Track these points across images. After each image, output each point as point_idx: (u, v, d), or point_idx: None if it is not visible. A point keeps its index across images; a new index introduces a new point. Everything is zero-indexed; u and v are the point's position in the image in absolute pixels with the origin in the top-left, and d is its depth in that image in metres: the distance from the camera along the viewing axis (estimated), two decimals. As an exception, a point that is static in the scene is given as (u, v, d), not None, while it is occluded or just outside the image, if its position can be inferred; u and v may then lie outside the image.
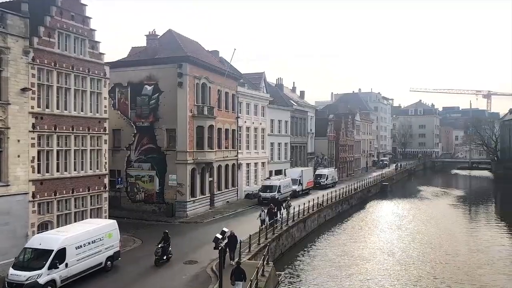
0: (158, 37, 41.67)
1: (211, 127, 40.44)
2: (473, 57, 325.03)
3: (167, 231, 24.79)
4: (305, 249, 33.60)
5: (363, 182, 65.21)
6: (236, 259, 21.48)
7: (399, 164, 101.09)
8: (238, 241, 23.25)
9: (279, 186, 45.82)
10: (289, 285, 25.32)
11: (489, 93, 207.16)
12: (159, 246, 23.83)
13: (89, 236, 21.54)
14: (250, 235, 26.45)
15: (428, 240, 36.91)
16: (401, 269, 28.57)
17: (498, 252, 33.16)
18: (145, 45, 41.91)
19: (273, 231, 30.11)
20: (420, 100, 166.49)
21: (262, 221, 30.72)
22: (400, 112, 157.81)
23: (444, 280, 26.15)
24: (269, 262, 24.00)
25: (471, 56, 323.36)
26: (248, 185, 49.70)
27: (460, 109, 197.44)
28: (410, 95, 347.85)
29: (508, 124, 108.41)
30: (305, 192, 53.15)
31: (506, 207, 62.53)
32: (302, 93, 77.03)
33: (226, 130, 44.47)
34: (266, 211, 31.75)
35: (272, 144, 56.07)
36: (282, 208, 35.38)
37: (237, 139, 47.07)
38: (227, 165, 44.68)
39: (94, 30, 28.48)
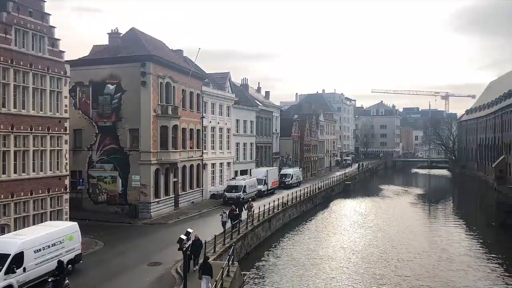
0: (121, 35, 40.92)
1: (175, 127, 40.04)
2: (432, 59, 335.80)
3: (62, 260, 19.78)
4: (271, 248, 33.76)
5: (327, 181, 66.15)
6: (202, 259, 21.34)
7: (361, 164, 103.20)
8: (203, 243, 23.09)
9: (245, 186, 45.88)
10: (254, 285, 25.35)
11: (447, 95, 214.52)
12: (50, 280, 18.07)
13: (48, 239, 20.89)
14: (215, 236, 26.35)
15: (390, 238, 37.77)
16: (365, 267, 29.01)
17: (457, 249, 34.22)
18: (107, 43, 41.07)
19: (236, 232, 29.51)
20: (382, 101, 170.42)
21: (223, 223, 30.02)
22: (363, 112, 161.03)
23: (406, 278, 26.65)
24: (235, 262, 23.98)
25: (430, 59, 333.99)
26: (213, 186, 49.52)
27: (420, 110, 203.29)
28: (372, 96, 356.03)
29: (465, 124, 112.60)
30: (270, 192, 53.45)
31: (463, 204, 64.91)
32: (267, 93, 77.45)
33: (191, 130, 44.14)
34: (227, 213, 31.22)
35: (237, 144, 56.08)
36: (243, 209, 35.05)
37: (202, 139, 46.81)
38: (192, 166, 44.35)
39: (54, 27, 27.69)
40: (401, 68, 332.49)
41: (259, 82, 77.68)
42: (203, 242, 22.88)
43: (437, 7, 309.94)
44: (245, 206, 35.90)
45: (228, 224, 29.91)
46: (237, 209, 32.75)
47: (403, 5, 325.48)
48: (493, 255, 32.11)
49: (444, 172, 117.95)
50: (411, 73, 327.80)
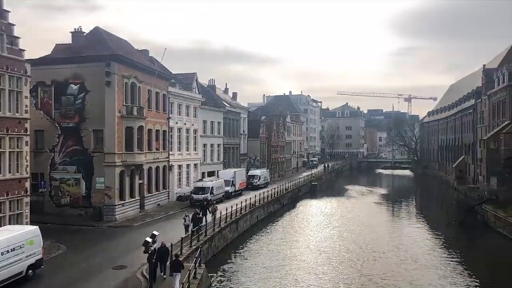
0: (85, 34, 40.00)
1: (140, 128, 39.46)
2: (395, 62, 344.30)
3: None
4: (238, 250, 33.71)
5: (294, 182, 66.72)
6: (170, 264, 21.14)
7: (327, 165, 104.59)
8: (170, 246, 22.80)
9: (212, 187, 45.67)
10: (221, 287, 25.26)
11: (409, 97, 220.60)
12: None
13: (7, 244, 20.15)
14: (182, 238, 26.11)
15: (355, 238, 38.32)
16: (331, 267, 29.25)
17: (420, 248, 34.99)
18: (70, 42, 40.04)
19: (202, 235, 28.94)
20: (347, 103, 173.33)
21: (186, 227, 29.38)
22: (328, 114, 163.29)
23: (372, 277, 26.98)
24: (201, 264, 23.83)
25: (392, 61, 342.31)
26: (180, 187, 49.05)
27: (384, 111, 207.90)
28: (337, 98, 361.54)
29: (427, 126, 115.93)
30: (238, 193, 53.42)
31: (425, 204, 66.79)
32: (234, 94, 77.45)
33: (157, 131, 43.59)
34: (190, 216, 30.35)
35: (204, 145, 55.79)
36: (208, 212, 34.37)
37: (169, 140, 46.31)
38: (157, 167, 43.79)
39: (13, 24, 26.76)
40: (365, 71, 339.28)
41: (226, 83, 77.90)
42: (169, 244, 22.60)
43: (398, 11, 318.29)
44: (209, 209, 35.18)
45: (191, 228, 29.06)
46: (200, 213, 32.10)
47: (370, 7, 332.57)
48: (453, 254, 33.07)
49: (407, 172, 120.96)
50: (376, 76, 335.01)
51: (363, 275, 27.38)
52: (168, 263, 21.23)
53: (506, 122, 46.80)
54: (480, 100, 61.35)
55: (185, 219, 30.19)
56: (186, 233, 28.29)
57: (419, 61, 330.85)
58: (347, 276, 27.24)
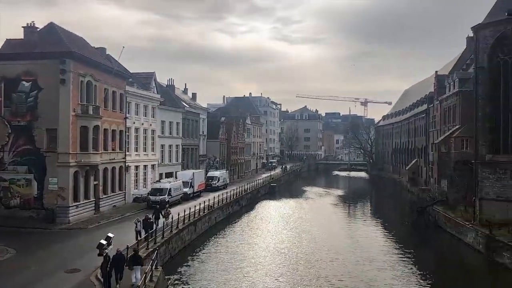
0: (38, 29, 38.52)
1: (96, 127, 38.46)
2: (351, 67, 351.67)
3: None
4: (196, 251, 33.46)
5: (253, 183, 66.98)
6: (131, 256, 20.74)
7: (284, 166, 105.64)
8: (126, 248, 22.30)
9: (170, 189, 45.11)
10: (179, 289, 25.00)
11: (366, 101, 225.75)
12: None
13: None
14: (138, 240, 25.63)
15: (313, 239, 38.77)
16: (289, 269, 29.39)
17: (375, 248, 35.87)
18: (22, 37, 38.44)
19: (154, 240, 27.58)
20: (306, 106, 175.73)
21: (138, 233, 27.64)
22: (288, 116, 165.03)
23: (329, 278, 27.18)
24: (158, 267, 23.47)
25: (349, 66, 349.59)
26: (136, 189, 48.14)
27: (341, 114, 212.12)
28: (296, 100, 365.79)
29: (382, 129, 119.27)
30: (196, 195, 53.00)
31: (379, 205, 68.79)
32: (194, 95, 76.81)
33: (113, 131, 42.61)
34: (141, 221, 28.64)
35: (162, 146, 55.01)
36: (160, 217, 32.83)
37: (125, 141, 45.36)
38: (114, 168, 42.79)
39: (-40, 17, 25.41)
40: (324, 74, 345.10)
41: (185, 84, 76.82)
42: (126, 247, 22.07)
43: (354, 16, 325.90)
44: (162, 213, 33.52)
45: (143, 234, 27.67)
46: (152, 217, 30.72)
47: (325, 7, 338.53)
48: (406, 253, 34.15)
49: (363, 174, 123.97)
50: (334, 79, 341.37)
51: (321, 277, 27.63)
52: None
53: (456, 127, 48.83)
54: (432, 105, 63.72)
55: (136, 224, 28.31)
56: (136, 240, 26.54)
57: (374, 66, 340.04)
58: (305, 278, 27.40)
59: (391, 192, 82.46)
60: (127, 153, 45.70)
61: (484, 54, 36.14)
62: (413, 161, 76.01)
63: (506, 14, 33.29)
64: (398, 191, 79.03)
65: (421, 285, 26.53)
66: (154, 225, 29.83)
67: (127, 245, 22.42)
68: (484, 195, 35.72)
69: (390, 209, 61.70)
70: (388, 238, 40.54)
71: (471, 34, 41.53)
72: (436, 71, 66.27)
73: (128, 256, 20.75)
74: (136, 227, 28.19)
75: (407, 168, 77.85)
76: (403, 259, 32.64)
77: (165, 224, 32.10)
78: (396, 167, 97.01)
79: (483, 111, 36.28)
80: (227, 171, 70.61)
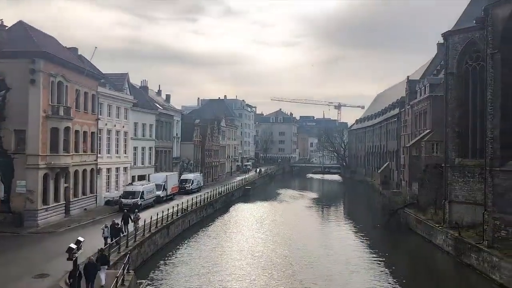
0: (6, 28, 37.43)
1: (67, 129, 37.64)
2: (325, 71, 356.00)
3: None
4: (168, 255, 33.07)
5: (227, 186, 66.78)
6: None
7: (261, 169, 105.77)
8: (98, 250, 21.87)
9: (142, 192, 44.54)
10: (151, 294, 24.63)
11: (339, 105, 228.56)
12: None
13: None
14: (110, 244, 25.17)
15: (287, 242, 38.72)
16: (263, 273, 29.10)
17: (349, 250, 36.17)
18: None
19: (119, 248, 26.35)
20: (280, 109, 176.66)
21: (105, 239, 26.46)
22: (263, 119, 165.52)
23: (304, 282, 27.10)
24: (130, 271, 23.08)
25: (323, 70, 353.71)
26: (108, 191, 47.31)
27: (315, 118, 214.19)
28: (271, 103, 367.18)
29: (355, 133, 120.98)
30: (169, 198, 52.48)
31: (353, 207, 69.58)
32: (168, 96, 76.11)
33: (85, 132, 41.79)
34: (109, 226, 27.47)
35: (135, 148, 54.26)
36: (130, 221, 31.67)
37: (97, 143, 44.56)
38: (85, 170, 41.95)
39: None
40: (298, 78, 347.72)
41: (159, 85, 75.96)
42: (96, 250, 21.65)
43: (327, 20, 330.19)
44: (131, 218, 32.36)
45: (110, 241, 26.30)
46: (121, 222, 29.91)
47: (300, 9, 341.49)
48: (379, 255, 34.60)
49: (336, 177, 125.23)
50: (308, 83, 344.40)
51: (296, 280, 27.49)
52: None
53: (427, 131, 49.88)
54: (403, 109, 64.94)
55: (103, 230, 26.88)
56: (104, 246, 25.10)
57: (348, 70, 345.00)
58: (279, 282, 27.20)
59: (363, 194, 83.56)
60: (98, 155, 44.87)
61: (454, 60, 37.02)
62: (385, 165, 77.28)
63: (475, 21, 34.18)
64: (371, 194, 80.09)
65: (393, 287, 26.91)
66: (123, 230, 28.94)
67: (98, 249, 22.00)
68: (454, 198, 36.54)
69: (363, 212, 62.46)
70: (361, 240, 41.00)
71: (442, 41, 42.42)
72: (408, 76, 67.65)
73: (96, 256, 20.75)
74: (103, 233, 26.85)
75: (379, 171, 79.06)
76: (376, 261, 33.06)
77: (134, 229, 31.10)
78: (368, 170, 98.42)
79: (452, 116, 37.15)
80: (201, 173, 70.21)
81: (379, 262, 32.66)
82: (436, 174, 41.47)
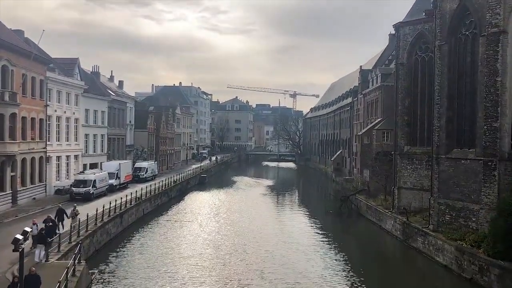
0: None
1: (13, 115, 36.01)
2: (280, 59, 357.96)
3: None
4: (122, 244, 32.54)
5: (183, 174, 66.28)
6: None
7: (216, 157, 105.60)
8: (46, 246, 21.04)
9: (94, 180, 43.42)
10: (103, 284, 24.19)
11: (295, 93, 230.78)
12: None
13: None
14: (60, 234, 24.46)
15: (243, 231, 38.66)
16: (219, 263, 28.90)
17: (303, 237, 36.79)
18: None
19: (70, 238, 24.90)
20: (236, 97, 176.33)
21: (35, 239, 22.48)
22: (219, 107, 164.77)
23: (261, 272, 26.98)
24: (81, 261, 22.58)
25: (278, 58, 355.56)
26: (58, 180, 45.79)
27: (271, 106, 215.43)
28: (227, 91, 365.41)
29: (309, 121, 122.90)
30: (123, 186, 51.50)
31: (307, 194, 71.03)
32: (120, 83, 74.16)
33: (33, 119, 40.13)
34: (38, 224, 24.06)
35: (87, 135, 52.65)
36: (66, 218, 28.19)
37: (46, 130, 42.91)
38: (33, 158, 40.37)
39: None
40: (254, 66, 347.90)
41: (112, 71, 73.67)
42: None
43: (279, 9, 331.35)
44: (67, 214, 28.62)
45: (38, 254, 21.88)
46: (55, 219, 26.66)
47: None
48: (334, 242, 35.53)
49: (291, 164, 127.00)
50: (264, 71, 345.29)
51: (252, 270, 27.34)
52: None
53: (378, 119, 51.42)
54: (356, 98, 66.54)
55: (32, 228, 21.00)
56: (32, 247, 22.47)
57: (302, 59, 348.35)
58: (236, 271, 27.00)
59: (317, 182, 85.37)
60: (48, 142, 43.27)
61: (404, 51, 38.23)
62: (338, 152, 79.15)
63: (424, 14, 35.37)
64: (324, 181, 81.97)
65: (347, 272, 27.75)
66: (58, 228, 26.12)
67: (48, 240, 21.37)
68: (402, 184, 38.00)
69: (316, 199, 63.83)
70: (315, 227, 41.90)
71: (394, 32, 43.63)
72: (361, 66, 69.25)
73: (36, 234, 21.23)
74: (31, 231, 19.93)
75: (332, 159, 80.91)
76: (329, 247, 33.92)
77: (73, 225, 27.43)
78: (322, 157, 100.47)
79: (402, 105, 38.45)
80: (156, 162, 69.20)
81: (332, 248, 33.54)
82: (386, 162, 42.97)
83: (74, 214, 28.33)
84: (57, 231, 25.52)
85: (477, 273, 24.04)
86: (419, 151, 37.06)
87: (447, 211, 29.78)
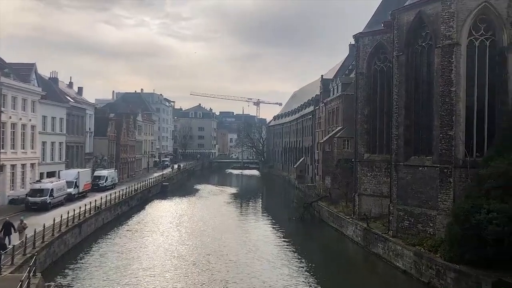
0: None
1: (-36, 122, 34.41)
2: (243, 67, 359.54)
3: None
4: (80, 256, 31.52)
5: (144, 183, 65.19)
6: None
7: (179, 165, 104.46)
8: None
9: (52, 189, 42.07)
10: (60, 297, 23.37)
11: (258, 101, 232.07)
12: None
13: None
14: (14, 245, 23.47)
15: (206, 240, 38.12)
16: (182, 273, 28.28)
17: (268, 246, 36.69)
18: None
19: (24, 250, 23.85)
20: (200, 104, 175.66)
21: None
22: (181, 114, 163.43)
23: (225, 282, 26.65)
24: (37, 274, 21.68)
25: (241, 66, 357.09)
26: (13, 189, 44.01)
27: (235, 114, 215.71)
28: (191, 98, 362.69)
29: (273, 129, 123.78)
30: (82, 195, 50.12)
31: (270, 202, 71.21)
32: (80, 89, 72.41)
33: (-14, 126, 38.48)
34: None
35: (44, 143, 50.94)
36: (13, 232, 26.48)
37: (0, 137, 41.23)
38: (-14, 167, 38.66)
39: None
40: (218, 74, 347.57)
41: (71, 77, 71.78)
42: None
43: (242, 18, 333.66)
44: (15, 228, 26.76)
45: None
46: (1, 233, 25.31)
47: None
48: (297, 249, 35.66)
49: (255, 172, 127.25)
50: (228, 79, 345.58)
51: (216, 280, 26.96)
52: None
53: (339, 128, 52.38)
54: (318, 107, 67.57)
55: None
56: None
57: (266, 67, 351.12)
58: (198, 282, 26.51)
59: (280, 189, 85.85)
60: (2, 150, 41.56)
61: (364, 61, 39.19)
62: (301, 160, 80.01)
63: (383, 25, 36.42)
64: (287, 188, 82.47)
65: (310, 279, 27.90)
66: (6, 243, 24.10)
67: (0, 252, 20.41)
68: (363, 191, 38.77)
69: (280, 206, 64.08)
70: (279, 234, 41.99)
71: (354, 42, 44.64)
72: (322, 75, 70.48)
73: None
74: None
75: (295, 166, 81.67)
76: (294, 255, 33.96)
77: (22, 239, 25.40)
78: (285, 165, 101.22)
79: (362, 113, 39.34)
80: (116, 170, 67.77)
81: (296, 255, 33.64)
82: (347, 169, 43.75)
83: (22, 228, 26.68)
84: (8, 245, 24.02)
85: (435, 277, 24.75)
86: (378, 159, 37.93)
87: (406, 217, 30.54)
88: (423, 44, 30.46)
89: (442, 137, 27.90)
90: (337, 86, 55.76)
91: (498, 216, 21.70)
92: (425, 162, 29.60)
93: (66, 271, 27.91)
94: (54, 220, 31.08)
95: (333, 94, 57.60)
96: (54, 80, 60.74)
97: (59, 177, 48.96)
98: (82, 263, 29.97)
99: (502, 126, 26.64)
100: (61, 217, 32.47)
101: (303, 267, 30.42)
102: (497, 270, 21.82)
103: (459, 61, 27.60)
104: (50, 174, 50.88)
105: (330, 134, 55.33)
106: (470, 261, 22.91)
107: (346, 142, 49.42)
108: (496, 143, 26.04)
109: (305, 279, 27.87)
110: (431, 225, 28.41)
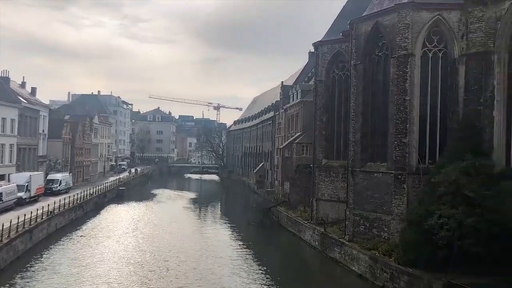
0: None
1: None
2: (204, 71, 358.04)
3: None
4: (31, 263, 30.31)
5: (100, 187, 63.57)
6: None
7: (136, 169, 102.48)
8: None
9: (1, 193, 40.26)
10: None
11: (218, 106, 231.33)
12: None
13: None
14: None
15: (164, 246, 37.37)
16: (138, 281, 27.61)
17: (227, 251, 36.51)
18: None
19: None
20: (159, 107, 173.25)
21: None
22: (139, 117, 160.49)
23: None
24: (-17, 282, 20.71)
25: (201, 70, 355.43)
26: (-42, 194, 41.77)
27: (194, 118, 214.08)
28: (149, 101, 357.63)
29: (233, 134, 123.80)
30: (34, 199, 48.30)
31: (229, 206, 71.05)
32: (33, 89, 69.64)
33: None
34: None
35: (-7, 145, 48.74)
36: None
37: None
38: None
39: None
40: (177, 77, 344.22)
41: (24, 77, 69.03)
42: None
43: (202, 21, 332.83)
44: None
45: None
46: None
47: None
48: (256, 254, 35.72)
49: (214, 177, 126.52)
50: (187, 83, 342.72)
51: (174, 287, 26.65)
52: None
53: (298, 133, 53.06)
54: (278, 113, 68.20)
55: None
56: None
57: (226, 72, 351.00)
58: None
59: (240, 194, 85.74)
60: None
61: (323, 69, 39.89)
62: (260, 165, 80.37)
63: (341, 34, 37.25)
64: (247, 193, 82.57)
65: (268, 285, 27.94)
66: None
67: None
68: (320, 196, 39.35)
69: (239, 211, 63.97)
70: (238, 239, 41.94)
71: (313, 50, 45.38)
72: (282, 82, 71.30)
73: None
74: None
75: (255, 171, 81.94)
76: (253, 260, 33.96)
77: None
78: (245, 170, 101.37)
79: (320, 120, 39.99)
80: (71, 173, 65.74)
81: (255, 260, 33.66)
82: (306, 174, 44.31)
83: None
84: None
85: (389, 280, 25.41)
86: (336, 164, 38.63)
87: (361, 221, 31.23)
88: (380, 54, 31.37)
89: (397, 144, 28.76)
90: (297, 93, 56.50)
91: (448, 222, 22.55)
92: (380, 169, 30.40)
93: (15, 279, 26.76)
94: (2, 226, 29.77)
95: (293, 100, 58.31)
96: (5, 79, 58.23)
97: (9, 181, 46.97)
98: (33, 271, 28.81)
99: (452, 134, 27.79)
100: (11, 222, 31.14)
101: (262, 272, 30.50)
102: (448, 273, 22.67)
103: (414, 71, 28.60)
104: (0, 178, 48.70)
105: (289, 140, 55.92)
106: (423, 265, 23.70)
107: (305, 148, 50.09)
108: (448, 151, 27.09)
109: (264, 284, 27.94)
110: (386, 229, 29.17)
